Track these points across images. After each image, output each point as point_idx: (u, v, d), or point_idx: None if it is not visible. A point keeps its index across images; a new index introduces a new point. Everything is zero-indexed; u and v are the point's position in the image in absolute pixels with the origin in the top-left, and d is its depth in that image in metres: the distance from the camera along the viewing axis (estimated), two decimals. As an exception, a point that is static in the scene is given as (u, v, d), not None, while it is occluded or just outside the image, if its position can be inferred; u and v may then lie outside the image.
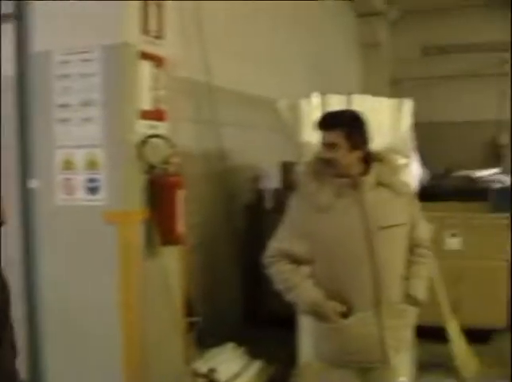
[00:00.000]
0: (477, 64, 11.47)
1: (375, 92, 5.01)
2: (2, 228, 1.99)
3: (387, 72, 11.48)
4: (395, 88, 11.21)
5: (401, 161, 4.20)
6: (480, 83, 11.46)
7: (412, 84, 11.45)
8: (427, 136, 11.39)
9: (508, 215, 5.66)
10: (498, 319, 5.61)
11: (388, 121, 4.63)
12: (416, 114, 11.55)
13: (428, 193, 8.88)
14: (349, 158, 2.75)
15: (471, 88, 11.51)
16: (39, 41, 3.65)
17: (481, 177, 9.48)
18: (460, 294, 5.56)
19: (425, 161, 10.34)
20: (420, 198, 7.14)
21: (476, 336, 5.48)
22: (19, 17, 3.66)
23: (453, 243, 5.59)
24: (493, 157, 11.26)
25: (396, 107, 4.70)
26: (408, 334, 2.97)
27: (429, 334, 5.21)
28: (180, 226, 3.59)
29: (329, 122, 2.79)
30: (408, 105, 4.70)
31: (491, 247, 5.55)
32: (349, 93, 4.53)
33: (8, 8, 3.68)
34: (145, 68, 3.59)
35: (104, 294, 3.57)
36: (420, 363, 5.05)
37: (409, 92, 11.19)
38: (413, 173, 4.52)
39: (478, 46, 11.08)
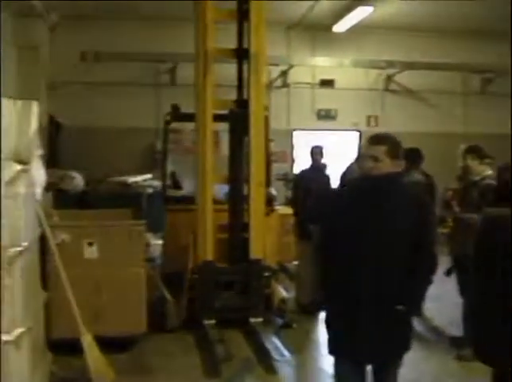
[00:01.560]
0: (135, 73, 11.68)
1: (32, 96, 4.60)
2: None
3: (46, 75, 11.01)
4: (54, 93, 10.83)
5: (20, 166, 3.90)
6: (138, 91, 11.69)
7: (72, 89, 11.20)
8: (87, 141, 11.32)
9: (144, 221, 5.74)
10: (138, 325, 5.63)
11: (14, 123, 4.26)
12: (78, 119, 11.27)
13: (82, 200, 8.76)
14: None
15: (131, 96, 11.66)
16: None
17: (135, 183, 9.63)
18: (101, 304, 5.47)
19: (84, 166, 10.20)
20: (70, 206, 6.88)
21: (119, 344, 5.46)
22: None
23: (91, 251, 5.44)
24: (151, 163, 11.54)
25: (22, 110, 4.33)
26: None
27: (65, 348, 5.03)
28: None
29: None
30: (35, 107, 4.38)
31: (129, 254, 5.54)
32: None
33: None
34: None
35: None
36: (56, 379, 4.84)
37: (68, 97, 11.02)
38: (37, 179, 4.23)
39: (136, 56, 11.25)
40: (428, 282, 3.38)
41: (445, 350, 5.85)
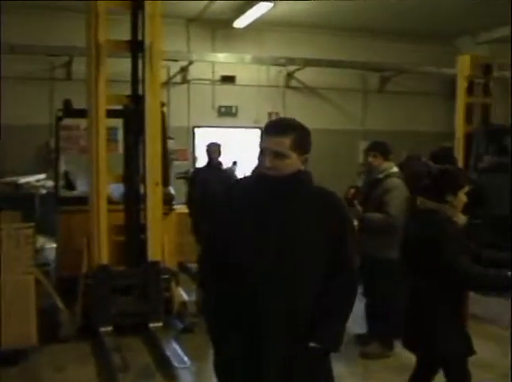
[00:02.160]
0: (29, 67, 11.08)
1: None
2: None
3: None
4: None
5: None
6: (32, 86, 11.08)
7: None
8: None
9: (33, 224, 5.37)
10: (28, 337, 5.25)
11: None
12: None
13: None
14: None
15: (24, 91, 11.02)
16: None
17: (28, 183, 9.14)
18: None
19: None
20: None
21: (7, 357, 5.08)
22: None
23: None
24: (46, 163, 10.98)
25: None
26: None
27: None
28: None
29: None
30: None
31: (16, 260, 5.15)
32: None
33: None
34: None
35: None
36: None
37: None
38: None
39: (29, 48, 10.64)
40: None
41: (349, 348, 5.82)
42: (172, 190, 7.04)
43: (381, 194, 5.36)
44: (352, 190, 5.63)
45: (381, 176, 5.47)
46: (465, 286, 3.64)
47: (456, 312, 3.59)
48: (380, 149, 5.53)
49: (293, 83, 12.56)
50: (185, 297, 6.49)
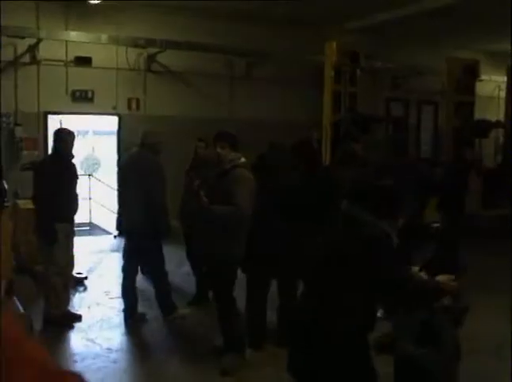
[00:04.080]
0: None
1: None
2: None
3: None
4: None
5: None
6: None
7: None
8: None
9: None
10: None
11: None
12: None
13: None
14: None
15: None
16: None
17: None
18: None
19: None
20: None
21: None
22: None
23: None
24: None
25: None
26: None
27: None
28: None
29: None
30: None
31: None
32: None
33: None
34: None
35: None
36: None
37: None
38: None
39: None
40: None
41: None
42: (5, 184, 6.08)
43: (228, 185, 4.97)
44: (197, 181, 5.26)
45: (228, 166, 5.14)
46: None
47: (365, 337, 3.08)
48: (227, 139, 5.25)
49: (155, 66, 11.69)
50: (21, 310, 5.62)
